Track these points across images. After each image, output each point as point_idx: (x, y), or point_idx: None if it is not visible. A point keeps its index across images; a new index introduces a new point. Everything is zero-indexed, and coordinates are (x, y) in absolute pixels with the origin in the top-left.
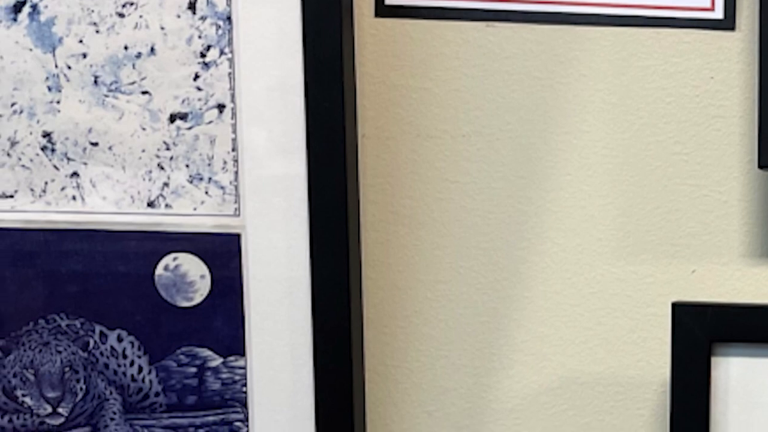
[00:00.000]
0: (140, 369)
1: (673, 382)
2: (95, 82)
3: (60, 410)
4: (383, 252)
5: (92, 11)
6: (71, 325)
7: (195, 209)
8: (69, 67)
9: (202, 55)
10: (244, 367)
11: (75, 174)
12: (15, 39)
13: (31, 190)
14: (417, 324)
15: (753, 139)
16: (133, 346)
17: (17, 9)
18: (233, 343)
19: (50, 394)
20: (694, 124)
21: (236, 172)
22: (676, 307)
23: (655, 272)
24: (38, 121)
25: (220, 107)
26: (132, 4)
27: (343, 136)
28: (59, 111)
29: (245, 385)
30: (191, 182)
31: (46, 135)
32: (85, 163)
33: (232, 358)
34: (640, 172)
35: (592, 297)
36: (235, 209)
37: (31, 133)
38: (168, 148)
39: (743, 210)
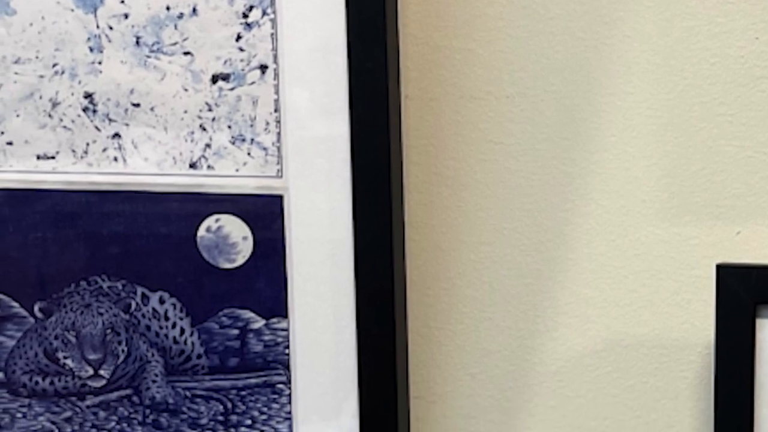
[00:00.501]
0: (182, 331)
1: (717, 345)
2: (137, 42)
3: (101, 372)
4: (426, 213)
5: None
6: (113, 287)
7: (237, 170)
8: (111, 28)
9: (245, 16)
10: (286, 329)
11: (117, 135)
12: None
13: (73, 151)
14: (460, 286)
15: None
16: (175, 308)
17: None
18: (276, 305)
19: (92, 357)
20: (739, 85)
21: (278, 133)
22: (720, 268)
23: (700, 234)
24: (80, 82)
25: (263, 68)
26: None
27: (386, 96)
28: (101, 72)
29: (288, 347)
30: (233, 143)
31: (88, 96)
32: (127, 124)
33: (274, 320)
34: (685, 133)
35: (637, 259)
36: (278, 170)
37: (72, 94)
38: (210, 109)
39: None
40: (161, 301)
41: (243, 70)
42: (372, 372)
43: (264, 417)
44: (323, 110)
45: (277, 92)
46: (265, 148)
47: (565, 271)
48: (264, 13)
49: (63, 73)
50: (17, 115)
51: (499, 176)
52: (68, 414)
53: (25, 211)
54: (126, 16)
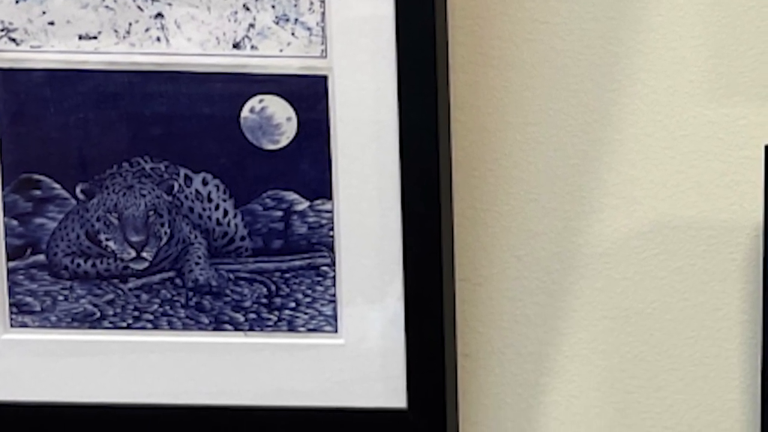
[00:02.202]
0: (225, 213)
1: (766, 226)
2: None
3: (144, 255)
4: (472, 94)
5: None
6: (155, 168)
7: (281, 51)
8: None
9: None
10: (331, 211)
11: (159, 15)
12: None
13: (115, 31)
14: (506, 167)
15: None
16: (218, 190)
17: None
18: (320, 187)
19: (134, 239)
20: None
21: (323, 13)
22: None
23: (748, 114)
24: None
25: None
26: None
27: None
28: None
29: (332, 229)
30: (277, 23)
31: None
32: (170, 4)
33: (318, 201)
34: (733, 12)
35: (684, 140)
36: (322, 51)
37: None
38: None
39: None
40: (204, 183)
41: None
42: (417, 254)
43: (308, 299)
44: None
45: None
46: (309, 28)
47: (611, 153)
48: None
49: None
50: None
51: (546, 56)
52: (110, 296)
53: (67, 92)
54: None
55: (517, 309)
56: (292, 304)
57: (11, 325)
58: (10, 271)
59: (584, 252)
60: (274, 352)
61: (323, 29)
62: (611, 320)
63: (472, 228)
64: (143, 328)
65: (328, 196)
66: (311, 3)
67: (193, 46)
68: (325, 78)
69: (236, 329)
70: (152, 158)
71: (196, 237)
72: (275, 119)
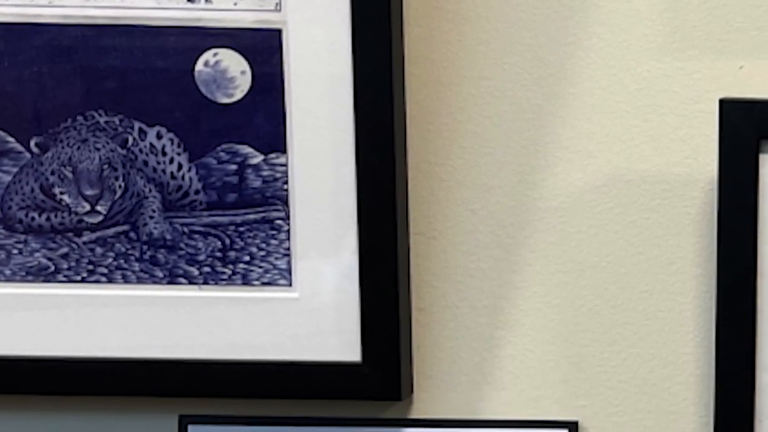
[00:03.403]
0: (180, 166)
1: (720, 180)
2: None
3: (98, 208)
4: (426, 48)
5: None
6: (110, 122)
7: (235, 4)
8: None
9: None
10: (285, 165)
11: None
12: None
13: None
14: (460, 121)
15: None
16: (172, 143)
17: None
18: (274, 140)
19: (88, 192)
20: None
21: None
22: (723, 103)
23: (702, 68)
24: None
25: None
26: None
27: None
28: None
29: (286, 182)
30: None
31: None
32: None
33: (273, 155)
34: None
35: (639, 93)
36: (276, 4)
37: None
38: None
39: None
40: (159, 136)
41: None
42: (371, 208)
43: (262, 253)
44: None
45: None
46: None
47: (566, 106)
48: None
49: None
50: None
51: (500, 10)
52: (65, 250)
53: (22, 46)
54: None
55: (471, 263)
56: (247, 258)
57: None
58: None
59: (539, 206)
60: (228, 306)
61: None
62: (565, 274)
63: (426, 182)
64: (97, 281)
65: (282, 149)
66: None
67: None
68: (279, 31)
69: (190, 283)
70: (106, 112)
71: (150, 191)
72: (229, 73)
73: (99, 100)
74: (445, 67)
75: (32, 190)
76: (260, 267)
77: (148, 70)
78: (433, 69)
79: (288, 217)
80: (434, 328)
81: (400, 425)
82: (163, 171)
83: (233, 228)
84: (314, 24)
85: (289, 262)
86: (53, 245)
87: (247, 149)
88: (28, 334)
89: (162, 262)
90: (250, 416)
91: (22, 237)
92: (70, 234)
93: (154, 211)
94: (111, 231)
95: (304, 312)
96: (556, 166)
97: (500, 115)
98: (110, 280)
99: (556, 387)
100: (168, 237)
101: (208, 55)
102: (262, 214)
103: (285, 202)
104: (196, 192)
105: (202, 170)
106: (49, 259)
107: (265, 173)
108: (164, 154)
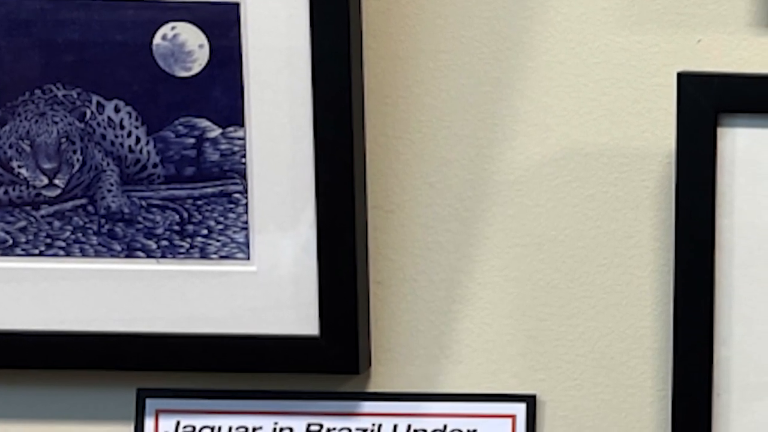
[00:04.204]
0: (138, 140)
1: (678, 154)
2: None
3: (56, 182)
4: (384, 21)
5: None
6: (68, 95)
7: None
8: None
9: None
10: (243, 138)
11: None
12: None
13: None
14: (419, 94)
15: None
16: (130, 117)
17: None
18: (232, 114)
19: (46, 166)
20: None
21: None
22: (681, 77)
23: (660, 42)
24: None
25: None
26: None
27: None
28: None
29: (244, 156)
30: None
31: None
32: None
33: (231, 128)
34: None
35: (597, 67)
36: None
37: None
38: None
39: None
40: (116, 110)
41: None
42: (329, 181)
43: (220, 227)
44: None
45: None
46: None
47: (524, 80)
48: None
49: None
50: None
51: None
52: (23, 224)
53: None
54: None
55: (429, 236)
56: (205, 231)
57: None
58: None
59: (496, 179)
60: (186, 280)
61: None
62: (523, 247)
63: (384, 155)
64: (55, 255)
65: (240, 123)
66: None
67: None
68: (237, 5)
69: (148, 256)
70: (64, 85)
71: (108, 164)
72: (187, 46)
73: (57, 74)
74: (403, 41)
75: None
76: (218, 240)
77: (106, 43)
78: (390, 43)
79: (246, 191)
80: (392, 302)
81: (359, 398)
82: (121, 144)
83: (191, 201)
84: None
85: (247, 236)
86: (11, 219)
87: (205, 123)
88: None
89: (120, 236)
90: (208, 390)
91: None
92: (27, 207)
93: (112, 185)
94: (69, 204)
95: (262, 285)
96: (513, 140)
97: (458, 88)
98: (68, 254)
99: (514, 360)
100: (126, 210)
101: (166, 29)
102: (220, 188)
103: (243, 175)
104: (154, 165)
105: (160, 144)
106: (7, 232)
107: (223, 147)
108: (122, 127)
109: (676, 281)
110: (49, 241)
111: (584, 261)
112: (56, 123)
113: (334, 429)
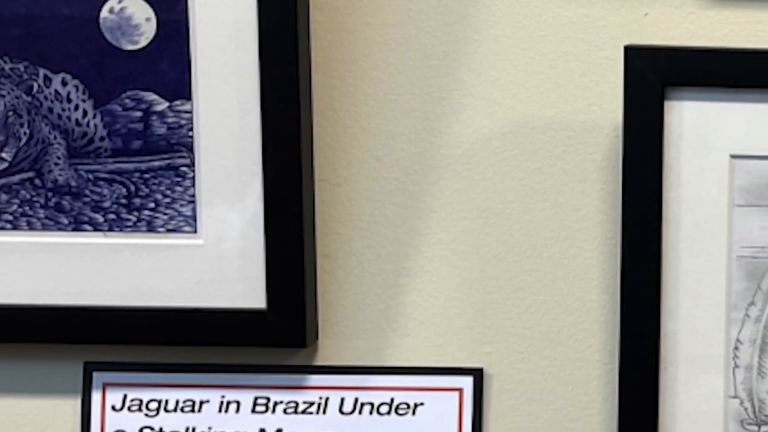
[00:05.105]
0: (85, 113)
1: (625, 127)
2: None
3: (3, 155)
4: None
5: None
6: (15, 69)
7: None
8: None
9: None
10: (190, 111)
11: None
12: None
13: None
14: (365, 68)
15: None
16: (77, 90)
17: None
18: (179, 87)
19: None
20: None
21: None
22: (628, 50)
23: (607, 15)
24: None
25: None
26: None
27: None
28: None
29: (191, 129)
30: None
31: None
32: None
33: (178, 102)
34: None
35: (543, 40)
36: None
37: None
38: None
39: None
40: (63, 83)
41: None
42: (276, 154)
43: (167, 200)
44: None
45: None
46: None
47: (471, 53)
48: None
49: None
50: None
51: None
52: None
53: None
54: None
55: (376, 210)
56: (152, 205)
57: None
58: None
59: (443, 153)
60: (133, 253)
61: None
62: (470, 221)
63: (331, 129)
64: (2, 228)
65: (187, 96)
66: None
67: None
68: None
69: (95, 230)
70: (11, 58)
71: (55, 137)
72: (134, 20)
73: (4, 47)
74: (350, 14)
75: None
76: (165, 214)
77: (53, 17)
78: (337, 16)
79: (193, 164)
80: (339, 275)
81: (306, 372)
82: (68, 118)
83: (138, 175)
84: None
85: (194, 209)
86: None
87: (152, 96)
88: None
89: (67, 209)
90: (155, 363)
91: None
92: None
93: (59, 158)
94: (16, 178)
95: (209, 259)
96: (461, 113)
97: (405, 62)
98: (15, 227)
99: (461, 334)
100: (73, 184)
101: (112, 2)
102: (167, 161)
103: (190, 149)
104: (101, 139)
105: (107, 117)
106: None
107: (170, 120)
108: (69, 101)
109: (623, 254)
110: None
111: (531, 234)
112: (3, 96)
113: (281, 402)
